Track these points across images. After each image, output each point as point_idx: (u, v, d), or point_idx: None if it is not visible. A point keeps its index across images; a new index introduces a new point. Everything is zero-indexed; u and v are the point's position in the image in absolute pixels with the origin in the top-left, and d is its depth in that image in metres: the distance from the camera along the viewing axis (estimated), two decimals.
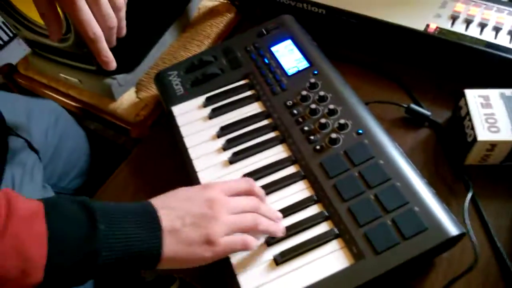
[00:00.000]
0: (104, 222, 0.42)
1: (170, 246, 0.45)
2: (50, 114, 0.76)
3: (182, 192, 0.50)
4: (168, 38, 0.87)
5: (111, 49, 0.53)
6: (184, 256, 0.46)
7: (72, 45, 0.74)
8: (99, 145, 0.92)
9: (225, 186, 0.52)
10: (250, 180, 0.56)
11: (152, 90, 0.80)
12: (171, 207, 0.47)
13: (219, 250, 0.47)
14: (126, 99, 0.79)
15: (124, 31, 0.53)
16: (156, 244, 0.44)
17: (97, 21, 0.49)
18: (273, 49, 0.73)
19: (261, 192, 0.55)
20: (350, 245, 0.52)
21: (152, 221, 0.45)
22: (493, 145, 0.60)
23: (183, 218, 0.46)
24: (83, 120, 0.91)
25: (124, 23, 0.53)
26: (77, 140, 0.79)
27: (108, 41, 0.51)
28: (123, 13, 0.52)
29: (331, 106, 0.63)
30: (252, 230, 0.50)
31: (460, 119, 0.65)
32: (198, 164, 0.63)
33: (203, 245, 0.46)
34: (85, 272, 0.41)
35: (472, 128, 0.61)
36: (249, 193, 0.54)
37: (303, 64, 0.70)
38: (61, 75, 0.85)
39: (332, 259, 0.52)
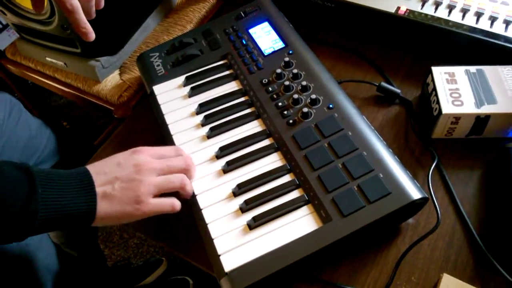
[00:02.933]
0: (43, 186, 0.46)
1: (103, 207, 0.49)
2: (5, 105, 0.77)
3: (114, 159, 0.54)
4: (151, 22, 0.89)
5: (96, 32, 0.56)
6: (116, 215, 0.50)
7: (57, 27, 0.77)
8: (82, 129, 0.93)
9: (153, 151, 0.56)
10: (179, 149, 0.60)
11: (135, 72, 0.82)
12: (104, 172, 0.52)
13: (147, 209, 0.52)
14: (110, 80, 0.82)
15: (102, 3, 0.56)
16: (90, 206, 0.49)
17: None
18: (251, 31, 0.75)
19: (189, 159, 0.59)
20: (319, 209, 0.55)
21: (87, 184, 0.49)
22: (457, 118, 0.64)
23: (113, 182, 0.51)
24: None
25: None
26: (34, 129, 0.81)
27: (87, 13, 0.53)
28: None
29: (304, 83, 0.66)
30: (179, 190, 0.55)
31: (427, 95, 0.69)
32: (178, 139, 0.66)
33: (133, 204, 0.51)
34: (24, 230, 0.46)
35: (438, 103, 0.65)
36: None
37: (279, 44, 0.73)
38: (47, 58, 0.87)
39: (302, 222, 0.55)
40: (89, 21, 0.56)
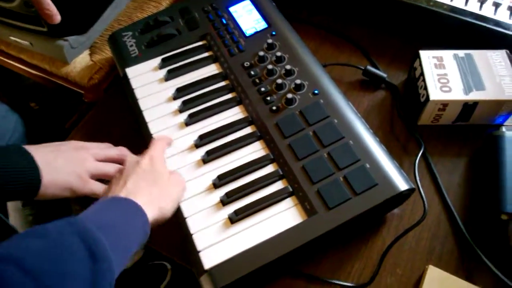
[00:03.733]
0: None
1: (47, 173, 0.50)
2: None
3: (53, 143, 0.55)
4: None
5: (63, 9, 0.51)
6: (60, 184, 0.51)
7: (20, 4, 0.70)
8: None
9: (95, 151, 0.57)
10: (123, 150, 0.60)
11: (107, 53, 0.77)
12: (44, 148, 0.53)
13: (88, 187, 0.53)
14: (79, 62, 0.76)
15: None
16: (35, 172, 0.49)
17: None
18: (231, 9, 0.71)
19: (124, 149, 0.60)
20: (303, 201, 0.53)
21: (26, 154, 0.50)
22: (444, 104, 0.62)
23: (56, 155, 0.52)
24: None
25: None
26: None
27: None
28: None
29: (288, 67, 0.62)
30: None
31: (415, 80, 0.66)
32: (153, 127, 0.62)
33: (75, 177, 0.52)
34: None
35: (425, 88, 0.62)
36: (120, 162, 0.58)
37: (261, 25, 0.69)
38: (11, 37, 0.80)
39: (286, 215, 0.52)
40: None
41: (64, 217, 0.40)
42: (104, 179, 0.55)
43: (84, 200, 0.62)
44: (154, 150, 0.54)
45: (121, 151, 0.59)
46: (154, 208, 0.48)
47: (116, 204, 0.46)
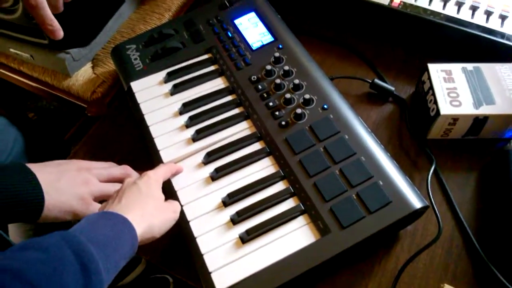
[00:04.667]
0: None
1: (51, 195, 0.49)
2: None
3: (53, 162, 0.54)
4: (126, 10, 0.82)
5: (65, 21, 0.50)
6: (62, 206, 0.50)
7: (21, 16, 0.69)
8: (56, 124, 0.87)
9: (97, 171, 0.56)
10: (126, 168, 0.58)
11: (110, 66, 0.76)
12: (47, 168, 0.52)
13: (91, 209, 0.52)
14: (82, 75, 0.75)
15: None
16: (37, 192, 0.48)
17: None
18: (237, 22, 0.70)
19: (127, 167, 0.58)
20: (316, 220, 0.51)
21: (30, 175, 0.49)
22: (455, 119, 0.61)
23: (59, 176, 0.51)
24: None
25: None
26: None
27: (53, 7, 0.47)
28: None
29: (296, 81, 0.61)
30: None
31: (423, 94, 0.66)
32: (160, 143, 0.61)
33: (78, 200, 0.51)
34: None
35: (435, 103, 0.62)
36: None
37: (268, 38, 0.68)
38: (11, 50, 0.79)
39: (298, 235, 0.51)
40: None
41: (57, 231, 0.41)
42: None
43: None
44: (154, 173, 0.53)
45: (125, 170, 0.57)
46: (144, 224, 0.47)
47: (107, 218, 0.46)
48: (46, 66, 0.77)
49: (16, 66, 0.80)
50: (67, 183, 0.51)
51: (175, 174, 0.57)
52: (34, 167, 0.50)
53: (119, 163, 0.59)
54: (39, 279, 0.36)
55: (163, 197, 0.52)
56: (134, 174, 0.58)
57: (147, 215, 0.48)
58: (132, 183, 0.51)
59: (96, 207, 0.52)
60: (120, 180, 0.56)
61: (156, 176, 0.53)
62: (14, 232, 0.92)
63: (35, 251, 0.38)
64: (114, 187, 0.54)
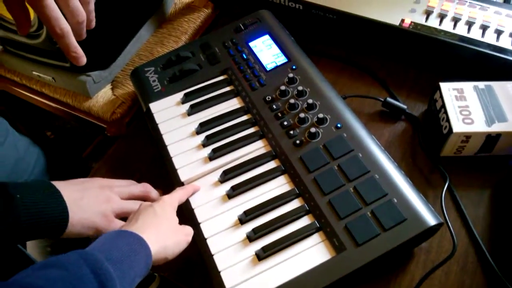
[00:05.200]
0: (18, 193, 0.48)
1: (75, 212, 0.51)
2: None
3: (77, 180, 0.56)
4: (144, 33, 0.85)
5: (86, 45, 0.52)
6: (86, 223, 0.52)
7: (44, 41, 0.72)
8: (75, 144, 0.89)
9: (118, 189, 0.58)
10: (146, 187, 0.60)
11: (129, 87, 0.78)
12: (71, 185, 0.53)
13: (113, 226, 0.53)
14: (102, 96, 0.78)
15: (93, 23, 0.52)
16: (63, 210, 0.50)
17: (65, 16, 0.48)
18: (251, 44, 0.72)
19: (148, 185, 0.61)
20: (331, 237, 0.52)
21: (54, 191, 0.51)
22: (468, 136, 0.62)
23: (83, 193, 0.53)
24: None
25: (93, 15, 0.52)
26: (22, 150, 0.77)
27: (77, 35, 0.49)
28: (91, 5, 0.51)
29: (310, 101, 0.63)
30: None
31: (436, 112, 0.67)
32: (178, 162, 0.62)
33: (101, 217, 0.53)
34: (11, 236, 0.48)
35: (447, 121, 0.63)
36: (144, 198, 0.60)
37: (281, 59, 0.70)
38: (34, 73, 0.82)
39: (314, 252, 0.52)
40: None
41: (76, 249, 0.43)
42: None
43: None
44: (170, 197, 0.56)
45: (144, 188, 0.59)
46: (158, 244, 0.49)
47: (123, 236, 0.47)
48: (67, 88, 0.80)
49: (38, 88, 0.83)
50: (90, 201, 0.53)
51: (192, 193, 0.59)
52: (58, 185, 0.52)
53: (139, 181, 0.61)
54: None
55: (177, 220, 0.54)
56: (153, 192, 0.59)
57: (161, 236, 0.50)
58: (148, 205, 0.53)
59: (117, 223, 0.54)
60: (141, 198, 0.58)
61: (171, 200, 0.55)
62: (33, 248, 0.94)
63: (56, 269, 0.40)
64: (135, 204, 0.56)
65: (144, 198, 0.58)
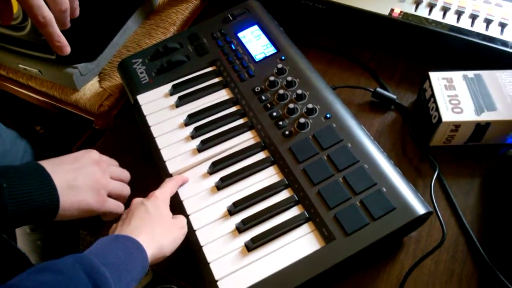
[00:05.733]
0: (5, 180, 0.46)
1: (66, 197, 0.49)
2: None
3: (69, 155, 0.54)
4: (132, 25, 0.84)
5: (72, 37, 0.51)
6: (78, 206, 0.50)
7: (29, 33, 0.71)
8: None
9: (105, 158, 0.58)
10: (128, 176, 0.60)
11: (116, 79, 0.77)
12: (62, 165, 0.51)
13: (106, 205, 0.53)
14: (89, 89, 0.77)
15: (77, 12, 0.51)
16: (53, 196, 0.48)
17: (48, 4, 0.47)
18: (240, 35, 0.72)
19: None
20: (320, 228, 0.52)
21: (45, 177, 0.49)
22: (457, 125, 0.62)
23: (75, 174, 0.51)
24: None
25: (76, 3, 0.51)
26: (8, 143, 0.76)
27: (61, 24, 0.49)
28: None
29: (299, 91, 0.62)
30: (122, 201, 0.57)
31: (425, 101, 0.66)
32: (166, 154, 0.62)
33: (94, 197, 0.52)
34: None
35: (437, 110, 0.62)
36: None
37: (270, 50, 0.69)
38: (20, 65, 0.81)
39: (303, 242, 0.52)
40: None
41: (72, 254, 0.42)
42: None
43: (91, 225, 0.62)
44: (160, 192, 0.55)
45: (127, 176, 0.59)
46: (155, 246, 0.49)
47: (119, 241, 0.47)
48: (54, 80, 0.79)
49: (25, 81, 0.82)
50: (84, 181, 0.51)
51: (181, 185, 0.58)
52: (49, 166, 0.50)
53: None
54: None
55: (170, 214, 0.54)
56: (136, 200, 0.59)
57: (157, 236, 0.50)
58: (140, 203, 0.53)
59: (111, 203, 0.54)
60: (125, 182, 0.58)
61: (162, 195, 0.54)
62: (22, 242, 0.93)
63: (51, 274, 0.39)
64: (124, 187, 0.57)
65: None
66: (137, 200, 0.54)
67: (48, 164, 0.51)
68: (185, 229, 0.54)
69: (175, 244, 0.52)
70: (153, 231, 0.50)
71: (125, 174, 0.59)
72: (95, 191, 0.52)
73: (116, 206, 0.55)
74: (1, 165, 0.49)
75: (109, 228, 0.53)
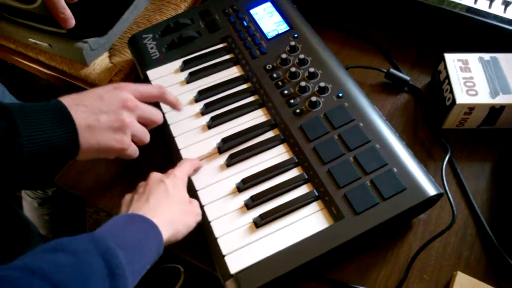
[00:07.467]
0: (22, 120, 0.44)
1: (87, 138, 0.47)
2: None
3: (95, 92, 0.50)
4: (143, 1, 0.83)
5: (82, 11, 0.51)
6: (98, 148, 0.48)
7: (40, 6, 0.71)
8: None
9: (134, 87, 0.53)
10: (162, 87, 0.57)
11: (126, 55, 0.77)
12: (85, 105, 0.48)
13: (128, 150, 0.51)
14: (99, 64, 0.76)
15: None
16: (73, 137, 0.46)
17: None
18: (252, 11, 0.71)
19: (174, 99, 0.57)
20: (329, 206, 0.52)
21: (65, 116, 0.46)
22: (471, 108, 0.61)
23: (98, 114, 0.48)
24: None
25: None
26: None
27: None
28: None
29: (311, 69, 0.61)
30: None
31: (439, 83, 0.65)
32: (176, 130, 0.61)
33: (116, 140, 0.49)
34: (14, 165, 0.44)
35: (451, 92, 0.61)
36: (160, 99, 0.56)
37: (283, 27, 0.68)
38: (30, 39, 0.81)
39: (312, 220, 0.52)
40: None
41: (87, 233, 0.41)
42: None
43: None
44: (179, 171, 0.53)
45: (160, 88, 0.56)
46: (171, 230, 0.48)
47: (136, 221, 0.46)
48: (64, 55, 0.79)
49: (34, 55, 0.81)
50: (106, 123, 0.48)
51: (196, 170, 0.57)
52: (71, 105, 0.47)
53: None
54: (67, 283, 0.36)
55: (188, 197, 0.53)
56: (169, 94, 0.57)
57: (174, 221, 0.49)
58: (159, 180, 0.51)
59: (133, 149, 0.52)
60: (157, 98, 0.56)
61: (181, 175, 0.53)
62: (30, 216, 0.94)
63: (65, 254, 0.38)
64: (154, 110, 0.54)
65: (160, 99, 0.56)
66: (155, 176, 0.52)
67: (69, 100, 0.48)
68: (200, 217, 0.53)
69: (188, 230, 0.51)
70: (171, 215, 0.49)
71: (154, 116, 0.54)
72: (117, 134, 0.49)
73: (136, 151, 0.53)
74: (16, 103, 0.46)
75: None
